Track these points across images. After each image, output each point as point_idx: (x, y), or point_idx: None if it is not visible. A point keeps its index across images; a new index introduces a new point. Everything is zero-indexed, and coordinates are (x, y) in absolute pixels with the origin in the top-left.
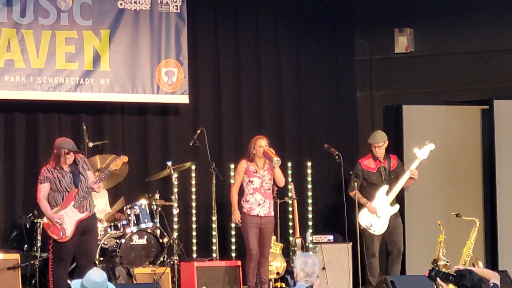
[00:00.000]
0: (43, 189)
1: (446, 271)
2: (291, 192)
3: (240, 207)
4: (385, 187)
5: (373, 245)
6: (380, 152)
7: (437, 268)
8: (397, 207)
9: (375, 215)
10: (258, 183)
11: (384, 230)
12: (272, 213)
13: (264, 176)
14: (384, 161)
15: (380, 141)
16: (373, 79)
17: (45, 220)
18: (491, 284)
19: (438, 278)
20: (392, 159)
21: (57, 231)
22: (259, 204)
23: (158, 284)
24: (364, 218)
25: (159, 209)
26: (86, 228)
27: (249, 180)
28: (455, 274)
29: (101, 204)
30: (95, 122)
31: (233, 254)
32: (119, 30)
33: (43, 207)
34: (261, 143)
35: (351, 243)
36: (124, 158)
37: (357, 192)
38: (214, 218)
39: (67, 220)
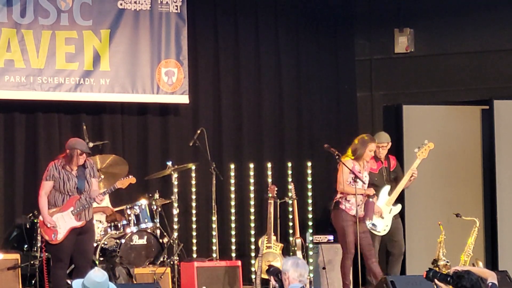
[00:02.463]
0: (46, 186)
1: (445, 272)
2: (291, 192)
3: (338, 203)
4: (387, 187)
5: (374, 246)
6: (383, 152)
7: (437, 268)
8: (399, 206)
9: (378, 215)
10: (360, 184)
11: (388, 230)
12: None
13: (365, 177)
14: (385, 161)
15: (385, 141)
16: (373, 79)
17: (41, 218)
18: (490, 284)
19: (435, 280)
20: (391, 160)
21: (49, 232)
22: (358, 205)
23: (158, 284)
24: None
25: (159, 209)
26: (82, 228)
27: (353, 179)
28: (452, 275)
29: (102, 204)
30: (95, 122)
31: (233, 254)
32: (119, 30)
33: (41, 205)
34: (372, 148)
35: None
36: (132, 180)
37: None
38: (214, 218)
39: (62, 224)
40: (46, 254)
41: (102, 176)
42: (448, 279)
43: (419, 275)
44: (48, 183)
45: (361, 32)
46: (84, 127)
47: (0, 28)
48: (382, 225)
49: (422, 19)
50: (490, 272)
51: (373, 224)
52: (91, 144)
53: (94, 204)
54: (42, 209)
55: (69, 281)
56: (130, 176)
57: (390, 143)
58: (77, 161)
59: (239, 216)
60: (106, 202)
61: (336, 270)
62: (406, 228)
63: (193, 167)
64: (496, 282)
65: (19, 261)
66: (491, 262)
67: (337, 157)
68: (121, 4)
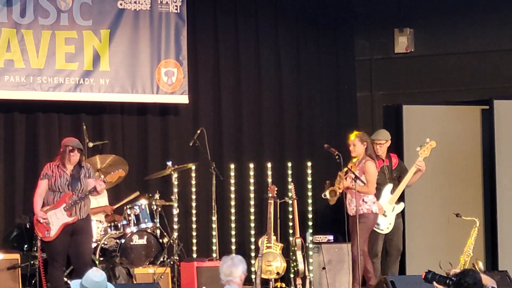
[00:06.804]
0: (41, 186)
1: (444, 274)
2: (291, 192)
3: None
4: (389, 186)
5: (377, 245)
6: (381, 150)
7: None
8: (402, 205)
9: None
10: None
11: (391, 228)
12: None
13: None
14: (387, 160)
15: (381, 138)
16: (373, 79)
17: (35, 216)
18: (490, 287)
19: (434, 282)
20: (392, 158)
21: (43, 229)
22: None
23: (158, 284)
24: None
25: (159, 209)
26: (76, 229)
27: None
28: (452, 278)
29: (102, 203)
30: (95, 122)
31: (233, 254)
32: (119, 30)
33: (35, 203)
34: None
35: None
36: (121, 173)
37: None
38: (214, 218)
39: (55, 220)
40: (43, 255)
41: (102, 176)
42: (447, 281)
43: (419, 275)
44: (42, 182)
45: (361, 32)
46: (84, 127)
47: (0, 28)
48: (385, 223)
49: (422, 19)
50: (490, 278)
51: (377, 223)
52: (91, 144)
53: (94, 202)
54: (35, 206)
55: (68, 281)
56: (119, 170)
57: (388, 141)
58: (69, 158)
59: (239, 216)
60: (104, 201)
61: (336, 270)
62: (406, 228)
63: (193, 167)
64: (495, 286)
65: (19, 261)
66: (491, 262)
67: (337, 157)
68: (121, 4)
